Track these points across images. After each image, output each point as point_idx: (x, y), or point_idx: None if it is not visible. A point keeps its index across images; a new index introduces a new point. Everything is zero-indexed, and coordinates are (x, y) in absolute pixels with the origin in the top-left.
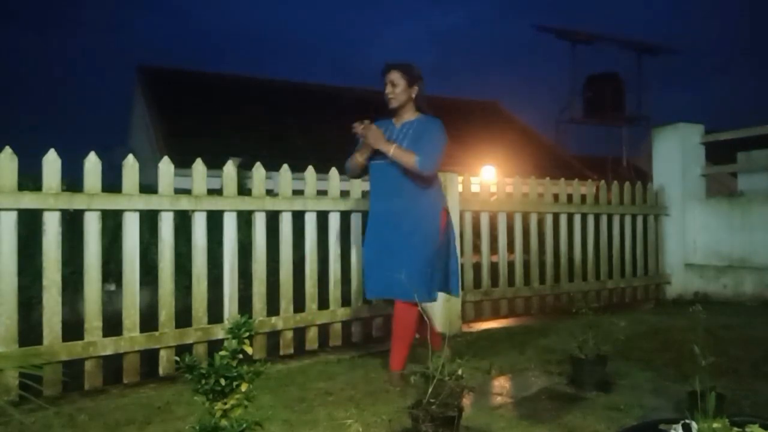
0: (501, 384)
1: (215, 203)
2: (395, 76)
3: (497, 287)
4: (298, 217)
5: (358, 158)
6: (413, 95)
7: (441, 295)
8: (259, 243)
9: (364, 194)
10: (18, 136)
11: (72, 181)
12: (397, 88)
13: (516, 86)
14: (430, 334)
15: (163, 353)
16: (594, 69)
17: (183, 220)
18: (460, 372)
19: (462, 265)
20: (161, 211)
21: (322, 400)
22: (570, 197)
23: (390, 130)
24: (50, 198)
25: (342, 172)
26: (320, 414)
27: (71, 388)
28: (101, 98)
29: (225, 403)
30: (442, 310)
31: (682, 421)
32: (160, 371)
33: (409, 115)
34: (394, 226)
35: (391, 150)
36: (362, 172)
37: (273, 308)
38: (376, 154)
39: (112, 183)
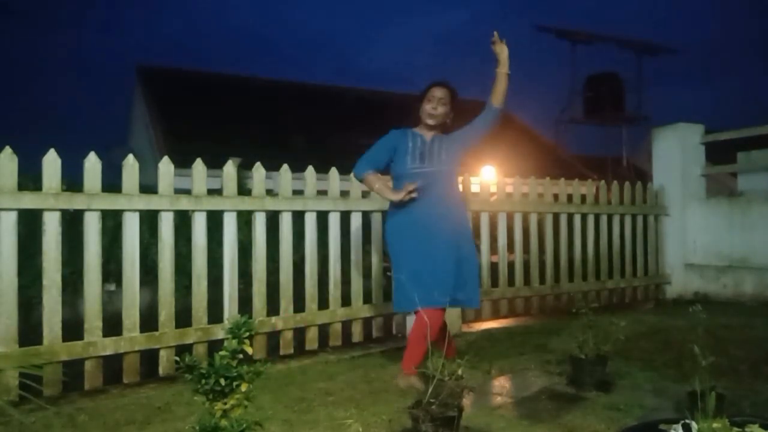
0: (501, 384)
1: (215, 203)
2: (444, 95)
3: (497, 287)
4: (298, 217)
5: (380, 189)
6: (449, 120)
7: None
8: (259, 243)
9: (364, 194)
10: (18, 136)
11: (72, 181)
12: (443, 108)
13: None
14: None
15: (163, 353)
16: (594, 69)
17: (183, 220)
18: (460, 372)
19: None
20: (161, 211)
21: (322, 400)
22: (570, 197)
23: (417, 141)
24: (50, 198)
25: (342, 171)
26: (320, 414)
27: (71, 388)
28: (101, 98)
29: (225, 403)
30: None
31: (682, 421)
32: (160, 371)
33: (438, 131)
34: (455, 234)
35: None
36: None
37: (273, 308)
38: (417, 161)
39: (112, 183)
